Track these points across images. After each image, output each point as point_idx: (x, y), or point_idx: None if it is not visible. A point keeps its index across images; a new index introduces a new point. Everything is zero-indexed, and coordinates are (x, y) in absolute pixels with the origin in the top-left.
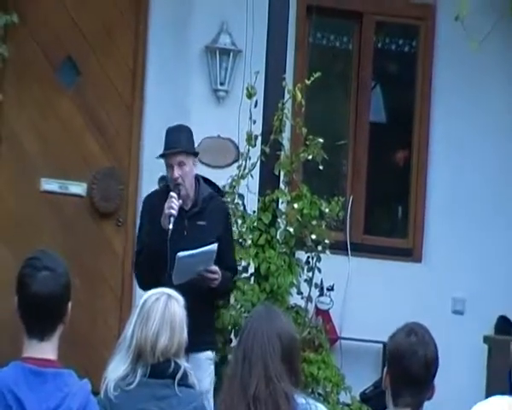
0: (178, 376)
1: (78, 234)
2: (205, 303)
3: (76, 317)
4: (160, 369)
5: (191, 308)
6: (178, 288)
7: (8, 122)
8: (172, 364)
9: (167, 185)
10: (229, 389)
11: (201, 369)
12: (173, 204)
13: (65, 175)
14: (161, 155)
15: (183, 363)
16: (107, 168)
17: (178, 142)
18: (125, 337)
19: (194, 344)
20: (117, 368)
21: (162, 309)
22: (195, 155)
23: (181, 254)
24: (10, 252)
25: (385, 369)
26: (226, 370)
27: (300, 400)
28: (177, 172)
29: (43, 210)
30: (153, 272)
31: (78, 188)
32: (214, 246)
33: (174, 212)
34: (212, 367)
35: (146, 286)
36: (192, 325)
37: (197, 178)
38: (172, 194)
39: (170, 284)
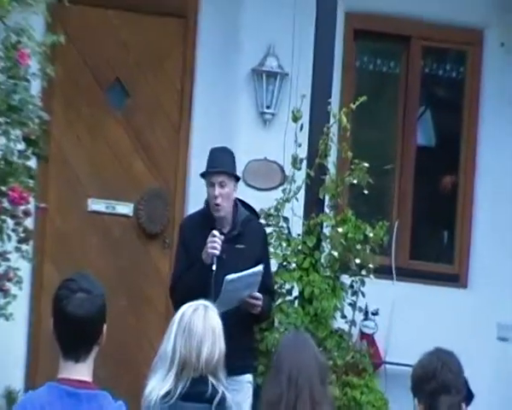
0: (216, 401)
1: (124, 255)
2: (245, 327)
3: (122, 338)
4: (197, 390)
5: (231, 332)
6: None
7: (56, 142)
8: (210, 387)
9: (206, 207)
10: None
11: (241, 392)
12: (216, 244)
13: (112, 195)
14: (204, 173)
15: (221, 386)
16: (154, 189)
17: (222, 162)
18: (165, 353)
19: (235, 368)
20: (160, 384)
21: (202, 319)
22: (237, 179)
23: (229, 277)
24: (57, 271)
25: (415, 401)
26: (266, 396)
27: None
28: (217, 191)
29: (91, 230)
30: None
31: (125, 208)
32: (260, 268)
33: (217, 252)
34: (251, 391)
35: None
36: (232, 348)
37: (235, 201)
38: (215, 232)
39: None
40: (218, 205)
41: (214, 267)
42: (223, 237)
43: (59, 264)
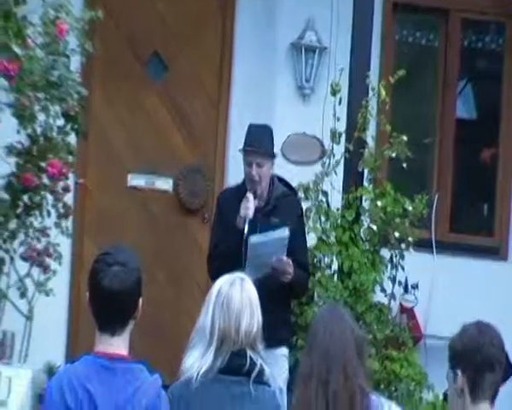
0: (254, 374)
1: (164, 230)
2: (279, 300)
3: (161, 313)
4: (236, 364)
5: (266, 305)
6: None
7: (95, 118)
8: (248, 360)
9: (243, 182)
10: (306, 388)
11: (277, 365)
12: (249, 205)
13: (152, 170)
14: (242, 150)
15: (259, 359)
16: (193, 164)
17: (261, 142)
18: (204, 327)
19: (270, 340)
20: (200, 360)
21: (240, 292)
22: (274, 156)
23: (253, 238)
24: (97, 247)
25: (458, 373)
26: (300, 369)
27: (373, 396)
28: (255, 171)
29: (130, 205)
30: (227, 270)
31: (165, 183)
32: (286, 231)
33: (250, 213)
34: (287, 364)
35: None
36: (267, 321)
37: (272, 177)
38: (249, 195)
39: None
40: (255, 182)
41: (246, 227)
42: (257, 202)
43: (98, 240)
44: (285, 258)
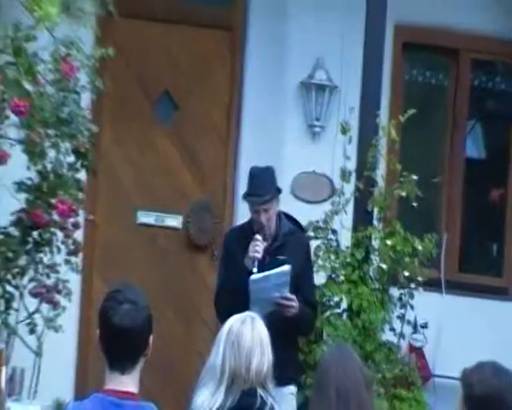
0: None
1: (172, 267)
2: (286, 338)
3: (170, 350)
4: (246, 403)
5: (273, 344)
6: None
7: (104, 155)
8: (259, 399)
9: (249, 221)
10: None
11: (284, 403)
12: (258, 247)
13: (161, 208)
14: (246, 199)
15: (270, 398)
16: (203, 202)
17: (264, 188)
18: (214, 366)
19: (277, 379)
20: (210, 399)
21: (251, 330)
22: (279, 194)
23: (254, 276)
24: (106, 283)
25: None
26: (314, 408)
27: None
28: (263, 218)
29: (139, 242)
30: (235, 311)
31: (174, 221)
32: (287, 267)
33: (259, 255)
34: (294, 402)
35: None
36: (275, 359)
37: (278, 213)
38: (258, 237)
39: None
40: (262, 228)
41: (255, 270)
42: (265, 242)
43: (107, 276)
44: (290, 295)
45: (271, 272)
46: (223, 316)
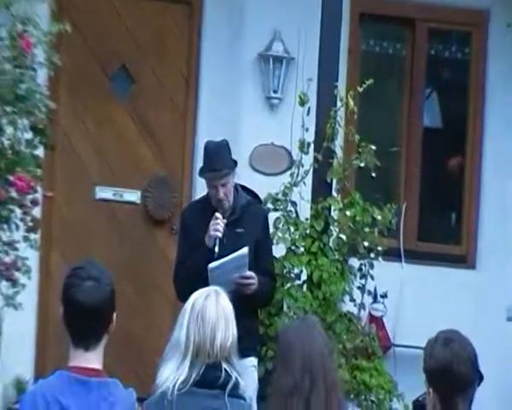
0: (229, 386)
1: (132, 242)
2: (246, 310)
3: (130, 324)
4: (211, 377)
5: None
6: None
7: (62, 131)
8: (223, 373)
9: (207, 195)
10: (288, 406)
11: (246, 376)
12: (219, 226)
13: (119, 183)
14: (203, 174)
15: (234, 372)
16: (161, 176)
17: (222, 162)
18: (178, 341)
19: (239, 351)
20: (175, 373)
21: (215, 304)
22: (235, 168)
23: (212, 265)
24: (65, 259)
25: (430, 391)
26: (278, 386)
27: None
28: (222, 192)
29: (98, 218)
30: (194, 287)
31: (133, 195)
32: (245, 250)
33: (219, 234)
34: (256, 374)
35: (185, 298)
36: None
37: (235, 186)
38: (218, 215)
39: None
40: (221, 202)
41: (217, 249)
42: (225, 220)
43: (66, 253)
44: (249, 273)
45: (229, 257)
46: (182, 293)
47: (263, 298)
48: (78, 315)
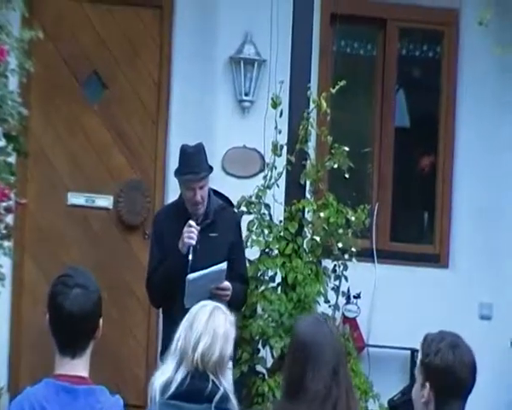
0: (216, 398)
1: (105, 247)
2: None
3: (104, 330)
4: (196, 387)
5: None
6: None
7: (34, 137)
8: (210, 384)
9: (180, 200)
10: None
11: None
12: (193, 234)
13: (91, 189)
14: (180, 176)
15: (224, 384)
16: (134, 181)
17: (200, 165)
18: (172, 343)
19: None
20: (163, 373)
21: (207, 316)
22: (211, 172)
23: (191, 276)
24: (38, 266)
25: (427, 385)
26: (311, 388)
27: None
28: (198, 196)
29: (71, 224)
30: (168, 293)
31: (105, 201)
32: (224, 265)
33: (193, 242)
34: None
35: (158, 305)
36: None
37: (208, 190)
38: (191, 222)
39: (183, 306)
40: (197, 205)
41: (190, 257)
42: (199, 227)
43: (39, 259)
44: (225, 284)
45: (208, 270)
46: (155, 299)
47: (236, 304)
48: (65, 323)
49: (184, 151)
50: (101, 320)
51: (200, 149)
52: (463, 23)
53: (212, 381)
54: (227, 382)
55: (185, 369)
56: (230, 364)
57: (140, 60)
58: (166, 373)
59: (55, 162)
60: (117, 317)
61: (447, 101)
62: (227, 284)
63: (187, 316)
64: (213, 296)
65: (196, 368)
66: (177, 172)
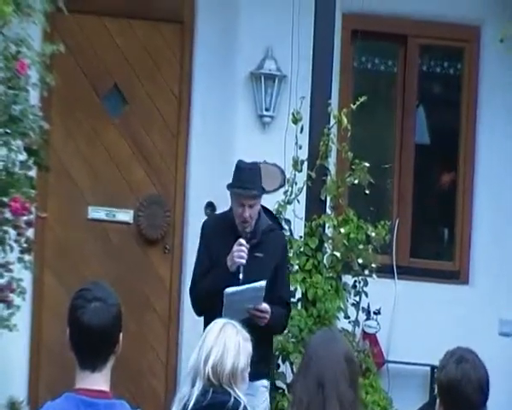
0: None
1: (125, 261)
2: (260, 335)
3: (123, 344)
4: (219, 401)
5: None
6: None
7: (55, 151)
8: (232, 399)
9: (230, 213)
10: None
11: (256, 396)
12: (243, 253)
13: (112, 203)
14: (233, 190)
15: (243, 399)
16: (154, 195)
17: (254, 184)
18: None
19: (251, 374)
20: (180, 391)
21: (217, 331)
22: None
23: (229, 290)
24: (58, 280)
25: (437, 401)
26: (297, 397)
27: None
28: (248, 213)
29: (91, 238)
30: (210, 305)
31: (125, 215)
32: (263, 283)
33: (243, 261)
34: (267, 395)
35: (199, 313)
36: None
37: (258, 210)
38: (242, 241)
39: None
40: (246, 223)
41: (241, 276)
42: (248, 246)
43: (59, 273)
44: (263, 307)
45: (246, 286)
46: (197, 307)
47: (277, 328)
48: (84, 337)
49: (240, 166)
50: (121, 335)
51: (255, 168)
52: (484, 40)
53: (234, 397)
54: (240, 394)
55: (200, 384)
56: (247, 378)
57: (160, 74)
58: (183, 392)
59: (75, 176)
60: (136, 331)
61: (467, 118)
62: (266, 306)
63: (203, 334)
64: (251, 317)
65: (211, 382)
66: (230, 186)
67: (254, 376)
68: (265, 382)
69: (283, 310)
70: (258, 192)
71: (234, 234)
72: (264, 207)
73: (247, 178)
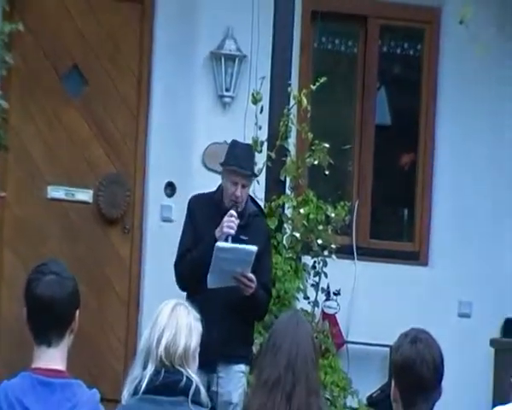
0: (191, 391)
1: (84, 241)
2: (239, 317)
3: (82, 323)
4: (171, 380)
5: (225, 321)
6: (213, 301)
7: (14, 131)
8: (184, 378)
9: (218, 193)
10: (270, 398)
11: (232, 382)
12: (233, 224)
13: (71, 182)
14: (227, 168)
15: (195, 378)
16: (113, 175)
17: (250, 164)
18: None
19: (227, 356)
20: (131, 373)
21: (169, 312)
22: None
23: (221, 243)
24: (18, 259)
25: (392, 382)
26: (263, 376)
27: None
28: (239, 192)
29: (50, 217)
30: (196, 278)
31: (85, 195)
32: (254, 248)
33: (233, 232)
34: (244, 380)
35: (184, 287)
36: (226, 337)
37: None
38: (233, 212)
39: (207, 298)
40: (236, 202)
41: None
42: (238, 220)
43: (18, 252)
44: (251, 275)
45: (240, 246)
46: (183, 281)
47: (259, 309)
48: (37, 309)
49: (235, 145)
50: (77, 312)
51: (250, 149)
52: (444, 21)
53: (186, 376)
54: (193, 374)
55: (152, 365)
56: (197, 358)
57: (120, 54)
58: (135, 374)
59: (34, 155)
60: (96, 311)
61: (428, 99)
62: (252, 276)
63: (154, 315)
64: (237, 283)
65: (163, 363)
66: (224, 163)
67: (232, 359)
68: (243, 367)
69: (266, 295)
70: (251, 173)
71: (219, 214)
72: (250, 196)
73: (241, 157)
